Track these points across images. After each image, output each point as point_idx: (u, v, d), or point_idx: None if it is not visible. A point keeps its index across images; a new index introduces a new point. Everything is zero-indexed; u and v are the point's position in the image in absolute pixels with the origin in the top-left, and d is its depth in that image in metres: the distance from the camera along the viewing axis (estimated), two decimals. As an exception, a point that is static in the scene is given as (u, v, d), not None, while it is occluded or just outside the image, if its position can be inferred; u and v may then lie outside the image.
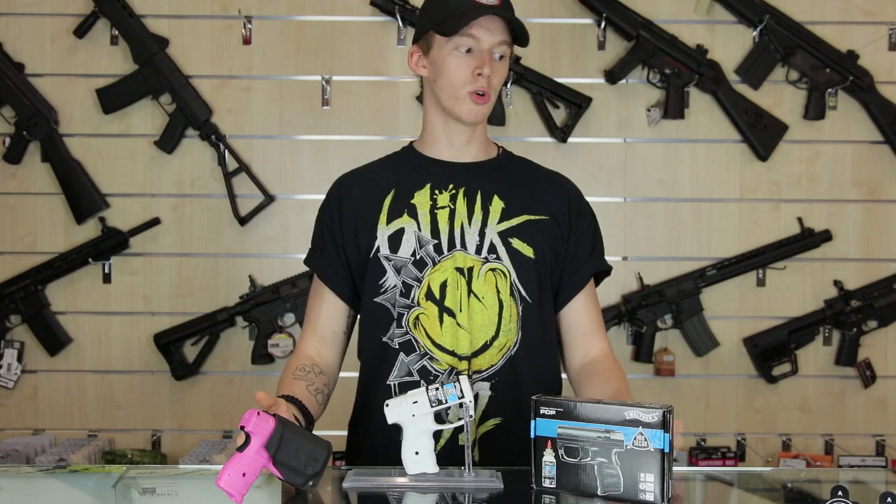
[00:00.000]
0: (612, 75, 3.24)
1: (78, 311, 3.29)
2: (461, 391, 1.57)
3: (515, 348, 1.80)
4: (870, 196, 3.32)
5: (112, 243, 3.24)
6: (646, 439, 1.46)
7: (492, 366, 1.80)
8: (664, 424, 1.45)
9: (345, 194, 1.88)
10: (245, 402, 3.26)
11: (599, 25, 3.24)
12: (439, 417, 1.65)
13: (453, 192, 1.84)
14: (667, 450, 1.45)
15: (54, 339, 3.26)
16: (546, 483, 1.53)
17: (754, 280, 3.31)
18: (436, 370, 1.78)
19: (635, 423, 1.46)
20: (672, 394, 3.32)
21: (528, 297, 1.81)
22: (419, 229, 1.81)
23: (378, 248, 1.81)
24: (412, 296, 1.79)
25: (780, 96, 3.30)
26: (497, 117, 3.20)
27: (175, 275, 3.29)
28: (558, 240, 1.85)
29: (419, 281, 1.80)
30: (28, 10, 3.24)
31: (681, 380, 3.33)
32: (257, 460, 1.42)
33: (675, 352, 3.30)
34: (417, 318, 1.79)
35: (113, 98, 3.22)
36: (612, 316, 3.27)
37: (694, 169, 3.32)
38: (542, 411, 1.54)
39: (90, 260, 3.24)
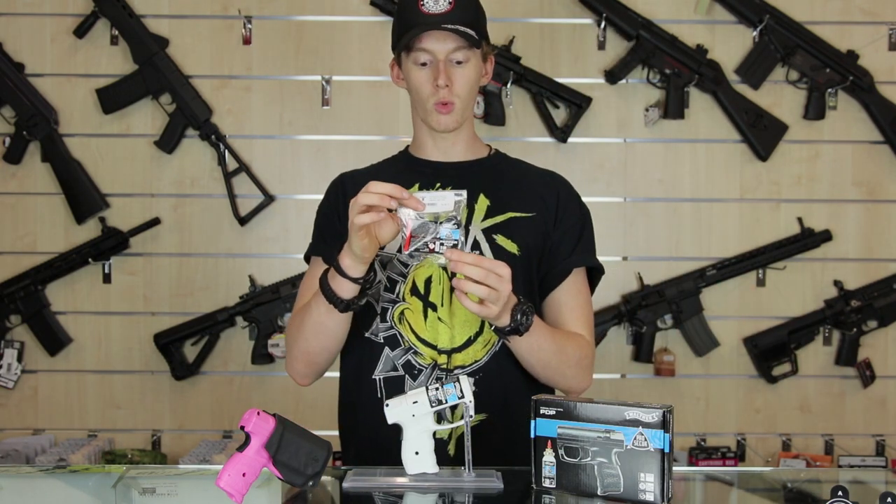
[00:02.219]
0: (612, 75, 3.24)
1: (78, 311, 3.29)
2: (461, 391, 1.57)
3: (500, 344, 1.80)
4: (870, 196, 3.32)
5: (112, 243, 3.24)
6: (646, 439, 1.46)
7: (476, 361, 1.79)
8: (664, 424, 1.45)
9: (341, 190, 1.89)
10: (245, 401, 3.26)
11: (599, 25, 3.25)
12: (439, 417, 1.65)
13: (440, 189, 1.83)
14: (667, 450, 1.45)
15: (54, 339, 3.26)
16: (546, 483, 1.54)
17: (754, 280, 3.31)
18: (420, 364, 1.79)
19: (635, 423, 1.46)
20: (672, 394, 3.32)
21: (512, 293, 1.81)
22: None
23: None
24: (397, 291, 1.81)
25: (780, 96, 3.30)
26: (497, 117, 3.20)
27: (175, 275, 3.29)
28: (545, 235, 1.85)
29: (404, 276, 1.81)
30: (28, 10, 3.24)
31: (681, 380, 3.33)
32: (257, 460, 1.42)
33: (675, 352, 3.30)
34: (402, 313, 1.80)
35: (113, 98, 3.23)
36: (612, 316, 3.27)
37: (694, 169, 3.32)
38: (542, 411, 1.54)
39: (90, 260, 3.24)
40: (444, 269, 1.79)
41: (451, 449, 1.78)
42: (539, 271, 1.86)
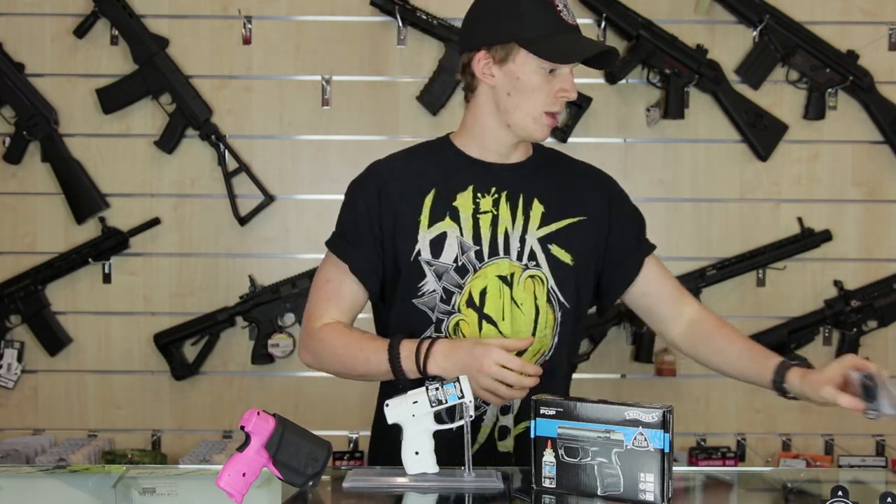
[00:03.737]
0: (612, 75, 3.24)
1: (78, 311, 3.29)
2: (461, 391, 1.57)
3: (550, 353, 1.80)
4: (870, 196, 3.32)
5: (112, 243, 3.24)
6: (646, 439, 1.46)
7: None
8: (664, 424, 1.45)
9: (382, 187, 1.82)
10: (245, 401, 3.26)
11: (599, 25, 3.24)
12: (439, 417, 1.65)
13: (496, 195, 1.81)
14: (667, 450, 1.45)
15: (54, 339, 3.26)
16: (546, 483, 1.54)
17: (754, 280, 3.30)
18: None
19: (635, 422, 1.47)
20: (672, 394, 3.32)
21: (566, 303, 1.81)
22: (461, 234, 1.79)
23: (419, 251, 1.79)
24: (453, 302, 1.78)
25: (780, 96, 3.30)
26: (497, 117, 3.20)
27: (175, 275, 3.29)
28: (598, 239, 1.85)
29: (460, 288, 1.78)
30: (28, 10, 3.24)
31: (681, 380, 3.33)
32: (257, 460, 1.43)
33: (675, 352, 3.30)
34: (457, 324, 1.78)
35: (113, 98, 3.22)
36: (611, 316, 3.27)
37: (694, 169, 3.32)
38: (542, 411, 1.54)
39: (90, 260, 3.24)
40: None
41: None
42: (596, 273, 1.86)
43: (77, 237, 3.26)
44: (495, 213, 1.80)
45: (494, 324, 1.77)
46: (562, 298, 1.81)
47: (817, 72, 3.25)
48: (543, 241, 1.80)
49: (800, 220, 3.28)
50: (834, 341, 3.32)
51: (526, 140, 1.82)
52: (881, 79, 3.27)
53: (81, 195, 3.22)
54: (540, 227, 1.81)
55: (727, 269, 3.28)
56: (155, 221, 3.25)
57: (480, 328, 1.77)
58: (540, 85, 1.75)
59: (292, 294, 3.22)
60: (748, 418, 3.34)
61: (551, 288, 1.80)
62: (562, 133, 3.24)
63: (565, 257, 1.81)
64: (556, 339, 1.81)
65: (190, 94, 3.21)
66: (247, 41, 3.26)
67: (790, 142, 3.29)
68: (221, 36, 3.26)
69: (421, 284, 1.78)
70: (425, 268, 1.78)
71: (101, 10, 3.18)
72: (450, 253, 1.78)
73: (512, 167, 1.84)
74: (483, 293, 1.78)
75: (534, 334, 1.78)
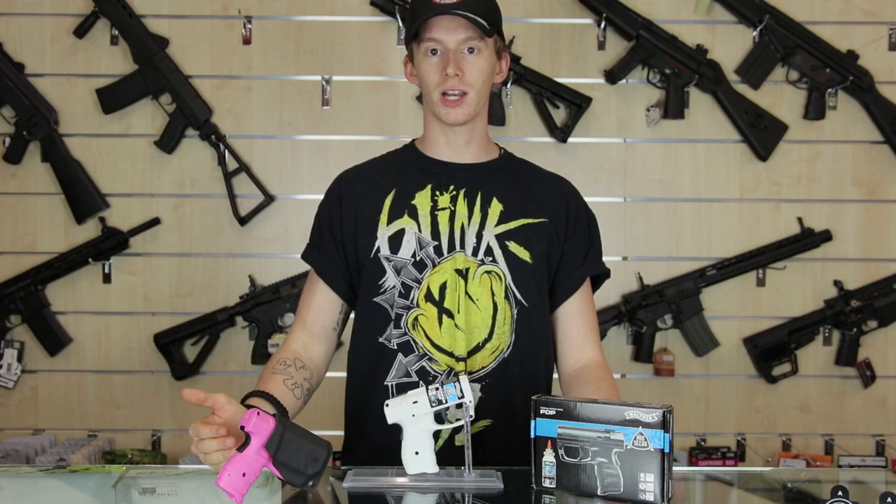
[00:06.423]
0: (612, 75, 3.24)
1: (78, 311, 3.29)
2: (461, 391, 1.57)
3: (508, 351, 1.80)
4: (870, 196, 3.32)
5: (112, 243, 3.24)
6: (646, 439, 1.46)
7: (483, 367, 1.79)
8: (664, 424, 1.45)
9: (345, 191, 1.87)
10: (245, 402, 3.26)
11: (599, 25, 3.25)
12: (439, 417, 1.65)
13: (454, 193, 1.83)
14: (667, 450, 1.45)
15: (54, 339, 3.26)
16: (546, 483, 1.54)
17: (754, 280, 3.30)
18: (435, 371, 1.78)
19: (635, 423, 1.46)
20: (672, 394, 3.32)
21: (523, 301, 1.81)
22: (419, 230, 1.81)
23: (378, 248, 1.81)
24: (411, 297, 1.79)
25: (780, 96, 3.30)
26: (497, 117, 3.20)
27: (175, 275, 3.29)
28: (555, 242, 1.85)
29: (419, 282, 1.79)
30: (28, 10, 3.24)
31: (681, 380, 3.33)
32: (257, 460, 1.42)
33: (675, 352, 3.30)
34: (416, 319, 1.79)
35: (113, 98, 3.23)
36: (612, 316, 3.27)
37: (694, 169, 3.32)
38: (542, 411, 1.54)
39: (90, 260, 3.24)
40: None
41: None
42: (548, 280, 1.85)
43: (77, 237, 3.26)
44: (453, 209, 1.82)
45: (452, 317, 1.79)
46: (519, 296, 1.81)
47: (817, 72, 3.25)
48: (501, 238, 1.82)
49: (800, 220, 3.28)
50: (834, 341, 3.33)
51: (444, 122, 1.81)
52: (881, 79, 3.28)
53: (81, 195, 3.22)
54: (498, 224, 1.82)
55: (727, 269, 3.28)
56: (155, 221, 3.25)
57: (440, 322, 1.79)
58: (429, 69, 1.78)
59: (292, 294, 3.22)
60: (748, 418, 3.34)
61: (509, 285, 1.81)
62: (561, 133, 3.24)
63: (524, 255, 1.81)
64: (513, 337, 1.81)
65: (190, 94, 3.21)
66: (247, 41, 3.26)
67: (790, 142, 3.30)
68: (221, 36, 3.26)
69: (381, 281, 1.81)
70: (384, 264, 1.81)
71: (101, 10, 3.18)
72: (408, 249, 1.80)
73: (471, 167, 1.86)
74: (442, 287, 1.79)
75: (492, 330, 1.79)
